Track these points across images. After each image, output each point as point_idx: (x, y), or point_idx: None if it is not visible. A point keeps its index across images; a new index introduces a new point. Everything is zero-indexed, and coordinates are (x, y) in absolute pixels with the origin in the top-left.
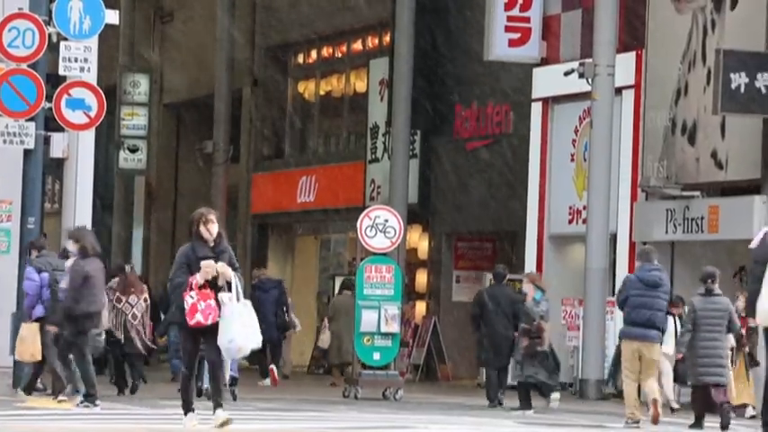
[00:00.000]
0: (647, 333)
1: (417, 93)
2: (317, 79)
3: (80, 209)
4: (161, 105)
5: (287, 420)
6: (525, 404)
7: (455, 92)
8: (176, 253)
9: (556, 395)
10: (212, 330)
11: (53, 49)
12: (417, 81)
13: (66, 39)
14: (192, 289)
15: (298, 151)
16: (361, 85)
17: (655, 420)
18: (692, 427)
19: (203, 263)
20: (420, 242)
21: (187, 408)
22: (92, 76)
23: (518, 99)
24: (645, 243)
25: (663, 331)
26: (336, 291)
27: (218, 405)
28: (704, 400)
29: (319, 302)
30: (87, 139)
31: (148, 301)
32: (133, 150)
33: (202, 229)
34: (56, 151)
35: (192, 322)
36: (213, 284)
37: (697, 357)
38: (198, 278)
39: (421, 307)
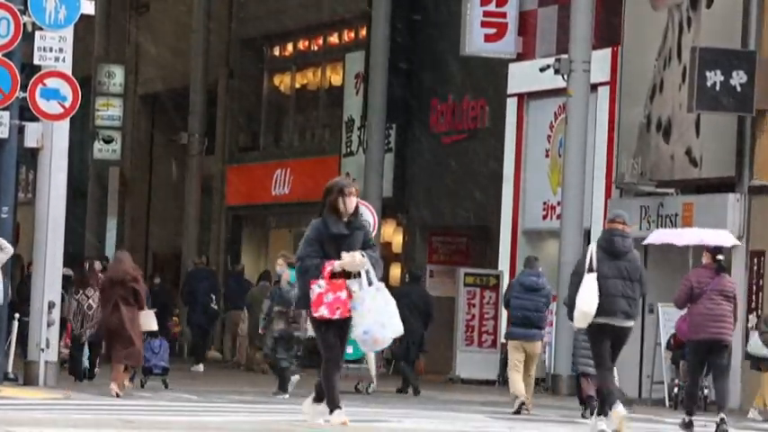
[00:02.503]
0: (528, 332)
1: (393, 87)
2: (293, 72)
3: (54, 199)
4: (136, 96)
5: (259, 413)
6: (283, 388)
7: (431, 86)
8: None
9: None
10: (345, 323)
11: (28, 38)
12: (393, 75)
13: (41, 28)
14: (322, 277)
15: (273, 144)
16: (336, 79)
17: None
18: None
19: (348, 256)
20: (394, 236)
21: (334, 405)
22: (67, 66)
23: (494, 94)
24: None
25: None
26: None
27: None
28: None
29: None
30: (62, 129)
31: None
32: (108, 141)
33: (340, 201)
34: (30, 141)
35: (316, 315)
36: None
37: (579, 348)
38: (336, 265)
39: None
